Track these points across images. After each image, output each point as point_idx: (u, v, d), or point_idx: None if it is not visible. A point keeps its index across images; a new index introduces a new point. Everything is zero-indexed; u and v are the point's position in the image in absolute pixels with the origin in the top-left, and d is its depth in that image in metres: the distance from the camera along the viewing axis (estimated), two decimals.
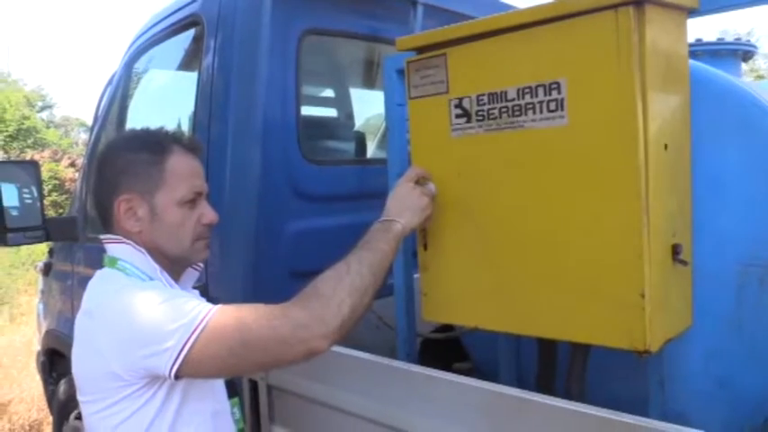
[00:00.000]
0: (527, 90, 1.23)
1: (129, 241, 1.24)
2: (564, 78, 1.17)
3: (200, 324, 1.08)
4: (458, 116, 1.36)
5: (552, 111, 1.19)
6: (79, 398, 1.23)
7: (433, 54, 1.39)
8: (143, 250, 1.23)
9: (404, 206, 1.34)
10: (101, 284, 1.23)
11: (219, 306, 1.13)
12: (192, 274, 1.38)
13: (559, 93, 1.18)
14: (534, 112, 1.22)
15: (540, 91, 1.21)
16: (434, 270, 1.46)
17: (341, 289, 1.13)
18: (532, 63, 1.22)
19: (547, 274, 1.25)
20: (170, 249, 1.25)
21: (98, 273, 1.26)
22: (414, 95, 1.44)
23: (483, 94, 1.30)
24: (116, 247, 1.24)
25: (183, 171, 1.26)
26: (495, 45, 1.28)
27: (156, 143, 1.27)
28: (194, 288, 1.41)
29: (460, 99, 1.35)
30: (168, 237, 1.25)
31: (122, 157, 1.26)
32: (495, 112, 1.29)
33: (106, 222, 1.27)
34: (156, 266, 1.23)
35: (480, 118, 1.32)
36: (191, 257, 1.30)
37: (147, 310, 1.10)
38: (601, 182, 1.15)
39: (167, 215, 1.24)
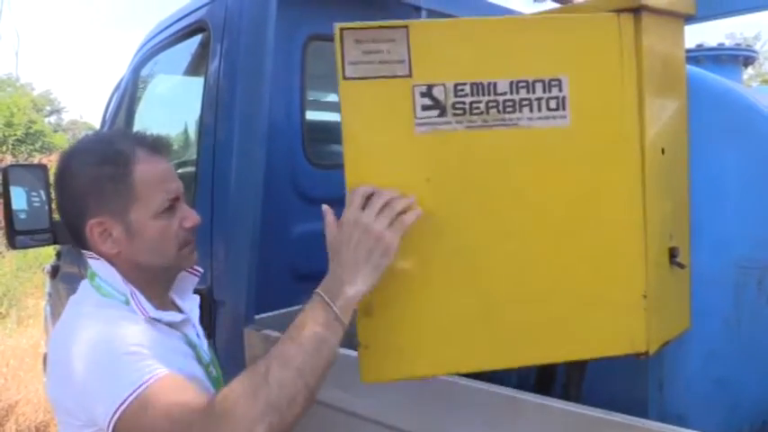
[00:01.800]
0: (522, 84, 1.08)
1: (101, 258, 1.16)
2: (566, 75, 1.07)
3: (132, 394, 0.97)
4: (425, 108, 1.08)
5: (553, 109, 1.08)
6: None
7: (388, 25, 1.09)
8: (112, 269, 1.14)
9: (354, 260, 1.00)
10: (76, 303, 1.17)
11: (157, 382, 0.99)
12: (190, 280, 1.32)
13: (560, 90, 1.07)
14: (531, 110, 1.08)
15: (539, 87, 1.08)
16: (386, 311, 1.10)
17: (254, 408, 0.91)
18: (529, 54, 1.09)
19: (543, 291, 1.12)
20: (154, 263, 1.17)
21: (81, 284, 1.20)
22: (350, 75, 1.11)
23: (464, 84, 1.07)
24: (92, 263, 1.18)
25: (154, 178, 1.15)
26: (484, 27, 1.10)
27: (118, 153, 1.14)
28: (195, 293, 1.37)
29: (430, 86, 1.08)
30: (150, 252, 1.16)
31: (85, 174, 1.14)
32: (482, 106, 1.08)
33: (80, 243, 1.18)
34: (128, 288, 1.14)
35: (460, 112, 1.08)
36: (179, 266, 1.23)
37: (93, 361, 1.01)
38: (598, 185, 1.13)
39: (146, 231, 1.14)
